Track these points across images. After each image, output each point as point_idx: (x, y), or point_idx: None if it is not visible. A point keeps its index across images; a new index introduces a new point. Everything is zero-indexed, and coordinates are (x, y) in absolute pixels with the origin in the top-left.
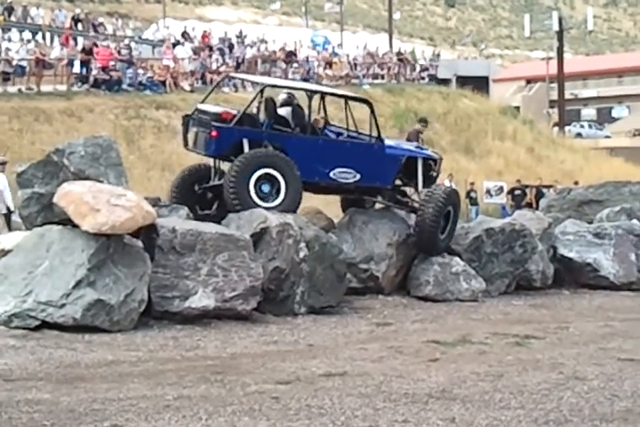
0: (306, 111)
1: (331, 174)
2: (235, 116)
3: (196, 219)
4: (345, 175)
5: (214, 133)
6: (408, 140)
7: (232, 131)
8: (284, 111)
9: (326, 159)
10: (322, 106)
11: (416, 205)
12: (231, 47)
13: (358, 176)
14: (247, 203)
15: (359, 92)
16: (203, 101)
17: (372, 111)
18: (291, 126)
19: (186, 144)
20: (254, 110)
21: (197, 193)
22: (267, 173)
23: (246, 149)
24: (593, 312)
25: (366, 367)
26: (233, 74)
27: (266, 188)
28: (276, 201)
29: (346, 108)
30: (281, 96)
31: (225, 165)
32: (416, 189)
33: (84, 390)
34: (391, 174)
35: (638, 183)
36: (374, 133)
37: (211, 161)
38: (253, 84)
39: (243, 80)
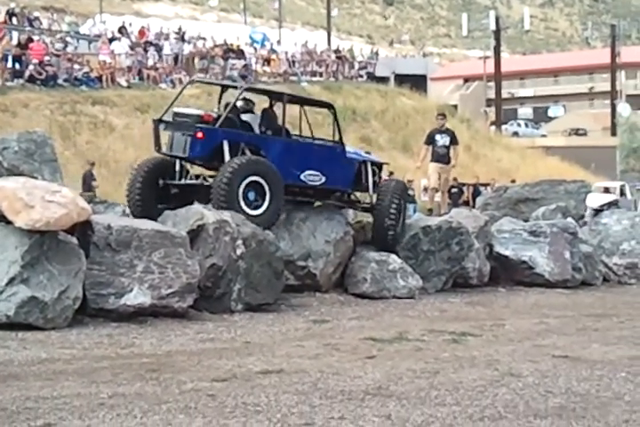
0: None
1: (301, 177)
2: (215, 118)
3: (152, 213)
4: (313, 178)
5: (200, 135)
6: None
7: (217, 132)
8: (247, 117)
9: (299, 162)
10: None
11: (366, 205)
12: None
13: (324, 179)
14: (235, 210)
15: (297, 90)
16: (170, 106)
17: (335, 116)
18: (254, 132)
19: (159, 148)
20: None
21: (160, 187)
22: (254, 181)
23: (226, 151)
24: (528, 309)
25: (303, 365)
26: (199, 79)
27: (252, 195)
28: (260, 209)
29: (301, 113)
30: (238, 103)
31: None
32: (367, 192)
33: (16, 389)
34: (351, 178)
35: (573, 182)
36: (332, 137)
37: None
38: (232, 87)
39: (210, 84)
